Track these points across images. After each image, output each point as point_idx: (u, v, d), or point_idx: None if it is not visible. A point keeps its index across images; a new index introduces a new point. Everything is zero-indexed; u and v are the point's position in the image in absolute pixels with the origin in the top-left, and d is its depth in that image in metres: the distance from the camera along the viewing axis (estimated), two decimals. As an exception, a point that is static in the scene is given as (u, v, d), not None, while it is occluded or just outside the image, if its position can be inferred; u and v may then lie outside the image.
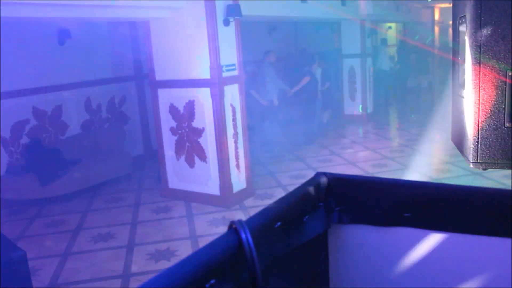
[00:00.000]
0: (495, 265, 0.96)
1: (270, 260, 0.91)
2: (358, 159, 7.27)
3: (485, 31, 1.57)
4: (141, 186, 6.41)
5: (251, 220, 0.89)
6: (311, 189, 1.04)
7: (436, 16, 16.54)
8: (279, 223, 0.93)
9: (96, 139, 6.73)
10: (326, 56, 9.81)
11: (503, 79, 1.56)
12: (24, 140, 5.98)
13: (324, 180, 1.07)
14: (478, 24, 1.57)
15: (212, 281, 0.77)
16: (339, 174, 1.07)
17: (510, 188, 1.77)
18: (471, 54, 1.61)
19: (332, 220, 1.07)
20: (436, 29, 16.73)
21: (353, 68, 10.42)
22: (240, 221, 0.85)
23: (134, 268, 4.01)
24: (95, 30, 6.59)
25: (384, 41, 12.49)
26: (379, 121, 10.36)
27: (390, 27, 15.12)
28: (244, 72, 7.85)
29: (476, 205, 0.96)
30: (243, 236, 0.82)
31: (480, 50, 1.58)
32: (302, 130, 8.58)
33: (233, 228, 0.85)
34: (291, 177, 6.39)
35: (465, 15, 1.68)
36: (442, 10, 16.26)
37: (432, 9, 16.14)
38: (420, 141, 8.26)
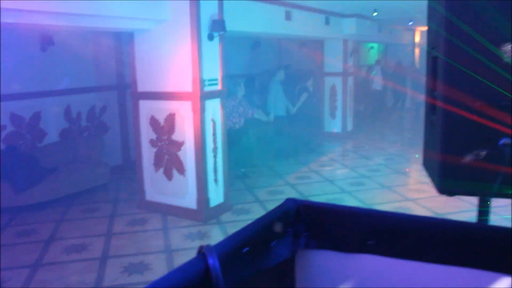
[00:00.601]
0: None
1: (237, 284, 0.94)
2: (335, 177, 7.35)
3: (455, 63, 1.64)
4: (118, 197, 6.34)
5: (219, 245, 0.92)
6: (280, 214, 1.07)
7: (417, 39, 16.99)
8: (247, 248, 0.96)
9: (74, 148, 6.65)
10: (308, 74, 9.96)
11: (471, 108, 1.63)
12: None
13: (293, 206, 1.10)
14: (449, 56, 1.65)
15: (178, 305, 0.79)
16: (308, 201, 1.11)
17: (476, 210, 1.84)
18: (442, 82, 1.68)
19: (299, 245, 1.10)
20: (417, 51, 17.16)
21: (335, 87, 10.60)
22: (208, 246, 0.88)
23: (107, 281, 3.95)
24: (79, 38, 6.56)
25: (379, 62, 12.77)
26: (359, 140, 10.50)
27: (372, 47, 15.44)
28: (253, 86, 8.03)
29: (435, 235, 1.01)
30: (211, 261, 0.85)
31: (450, 79, 1.66)
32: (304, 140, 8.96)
33: (202, 252, 0.87)
34: (268, 193, 6.42)
35: (438, 46, 1.76)
36: (422, 33, 16.71)
37: (413, 31, 16.58)
38: (398, 161, 8.42)
